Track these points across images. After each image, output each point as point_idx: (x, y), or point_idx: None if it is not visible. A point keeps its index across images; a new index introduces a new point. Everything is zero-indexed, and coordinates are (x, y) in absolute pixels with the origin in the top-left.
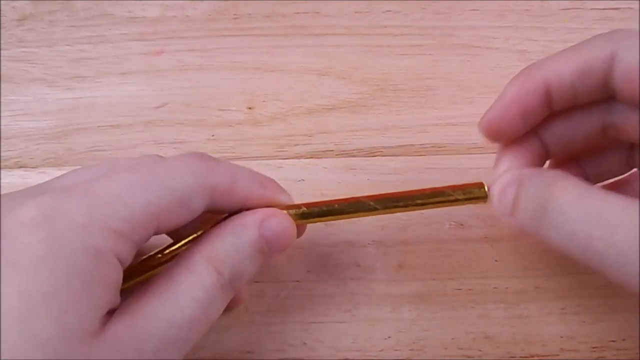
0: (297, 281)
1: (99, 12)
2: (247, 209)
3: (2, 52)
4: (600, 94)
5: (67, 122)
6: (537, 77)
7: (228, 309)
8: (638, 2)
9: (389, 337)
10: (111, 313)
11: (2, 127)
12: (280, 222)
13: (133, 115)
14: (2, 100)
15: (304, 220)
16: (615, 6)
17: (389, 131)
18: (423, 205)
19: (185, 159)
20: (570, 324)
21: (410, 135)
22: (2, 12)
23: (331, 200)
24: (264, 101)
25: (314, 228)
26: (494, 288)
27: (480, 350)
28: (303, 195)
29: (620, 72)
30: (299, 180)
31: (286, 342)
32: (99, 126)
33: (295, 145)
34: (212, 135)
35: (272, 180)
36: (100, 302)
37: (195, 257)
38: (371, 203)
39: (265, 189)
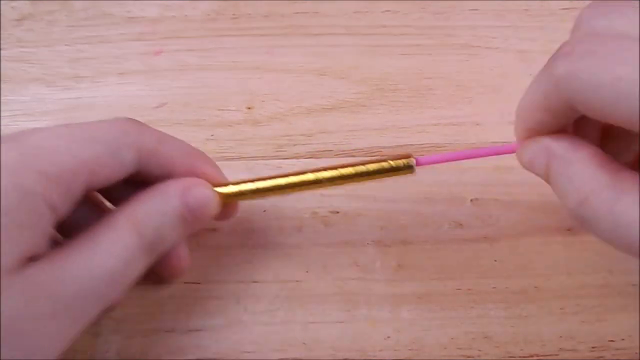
0: (297, 281)
1: (97, 12)
2: (174, 177)
3: (1, 52)
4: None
5: (66, 122)
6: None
7: (166, 279)
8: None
9: (389, 337)
10: (34, 260)
11: (1, 127)
12: (202, 192)
13: (132, 115)
14: (1, 100)
15: (234, 197)
16: None
17: (388, 131)
18: (351, 178)
19: (114, 120)
20: (570, 323)
21: (409, 135)
22: (1, 12)
23: (261, 178)
24: (263, 101)
25: (314, 228)
26: (494, 288)
27: (480, 350)
28: (303, 195)
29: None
30: None
31: (286, 342)
32: None
33: (295, 145)
34: (212, 135)
35: (202, 152)
36: (22, 244)
37: (118, 217)
38: (299, 178)
39: (192, 158)
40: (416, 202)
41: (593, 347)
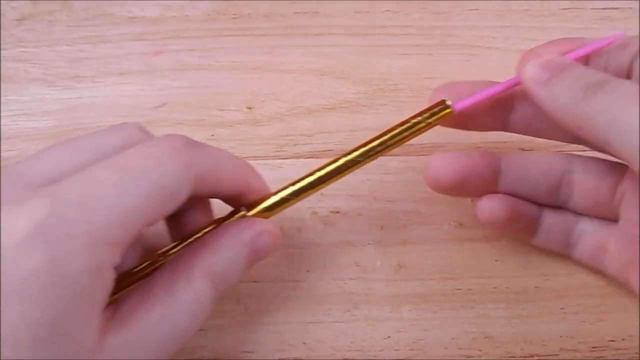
0: (297, 281)
1: (98, 12)
2: (224, 194)
3: (1, 52)
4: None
5: (66, 122)
6: None
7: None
8: (638, 2)
9: (389, 337)
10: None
11: (1, 127)
12: (274, 238)
13: (132, 115)
14: (1, 100)
15: (280, 208)
16: (615, 6)
17: None
18: (396, 141)
19: (171, 147)
20: (570, 323)
21: None
22: (1, 12)
23: (295, 181)
24: (263, 101)
25: (314, 228)
26: (494, 288)
27: (480, 350)
28: None
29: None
30: None
31: (286, 342)
32: (98, 126)
33: (295, 145)
34: (212, 135)
35: (248, 165)
36: (100, 318)
37: (195, 270)
38: (345, 160)
39: (241, 175)
40: (416, 202)
41: (593, 347)
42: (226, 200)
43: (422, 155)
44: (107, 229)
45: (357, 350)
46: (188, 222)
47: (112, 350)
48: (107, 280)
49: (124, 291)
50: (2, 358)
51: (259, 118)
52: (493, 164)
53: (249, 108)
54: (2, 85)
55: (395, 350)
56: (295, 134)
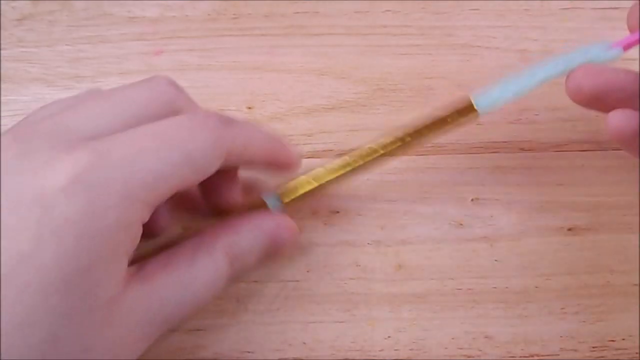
0: (297, 281)
1: (98, 12)
2: (254, 167)
3: (1, 52)
4: None
5: None
6: None
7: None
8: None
9: (389, 337)
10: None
11: (1, 127)
12: (292, 233)
13: None
14: (1, 100)
15: (312, 192)
16: (615, 6)
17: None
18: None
19: (205, 123)
20: (570, 323)
21: None
22: (1, 12)
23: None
24: (263, 101)
25: (314, 228)
26: (494, 288)
27: (480, 350)
28: None
29: None
30: None
31: (286, 342)
32: None
33: (295, 145)
34: None
35: (279, 140)
36: (125, 270)
37: (217, 245)
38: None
39: (273, 149)
40: (416, 202)
41: (593, 347)
42: (257, 170)
43: (422, 155)
44: (140, 190)
45: (357, 350)
46: (216, 189)
47: (131, 302)
48: (136, 235)
49: (150, 255)
50: (30, 300)
51: (259, 118)
52: (636, 83)
53: (249, 108)
54: (2, 85)
55: (395, 350)
56: (295, 134)
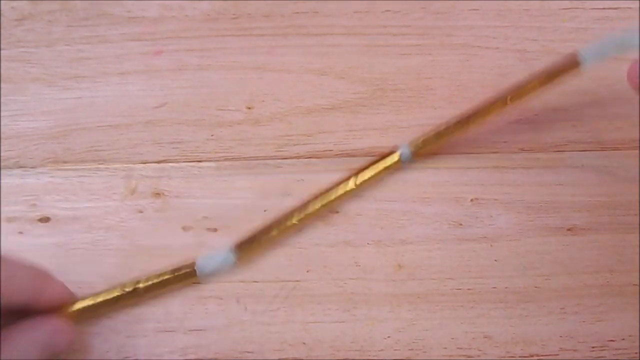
0: (297, 281)
1: (98, 12)
2: (15, 305)
3: (1, 52)
4: None
5: (66, 122)
6: None
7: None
8: (638, 2)
9: (389, 337)
10: None
11: (1, 127)
12: (67, 335)
13: (132, 115)
14: (1, 100)
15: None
16: (615, 6)
17: (388, 131)
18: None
19: None
20: (570, 323)
21: (409, 134)
22: (1, 12)
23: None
24: (263, 101)
25: (314, 228)
26: (493, 288)
27: (480, 350)
28: (303, 195)
29: None
30: (298, 180)
31: (286, 342)
32: (98, 126)
33: (295, 145)
34: (212, 135)
35: (41, 273)
36: None
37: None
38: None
39: (39, 283)
40: (416, 202)
41: (593, 347)
42: (21, 309)
43: (421, 155)
44: None
45: (357, 350)
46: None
47: None
48: None
49: None
50: None
51: (258, 118)
52: None
53: (249, 108)
54: (2, 85)
55: (395, 350)
56: (295, 133)
